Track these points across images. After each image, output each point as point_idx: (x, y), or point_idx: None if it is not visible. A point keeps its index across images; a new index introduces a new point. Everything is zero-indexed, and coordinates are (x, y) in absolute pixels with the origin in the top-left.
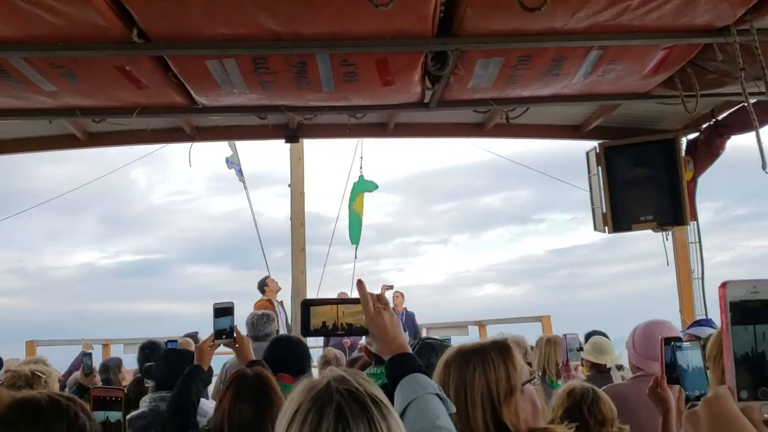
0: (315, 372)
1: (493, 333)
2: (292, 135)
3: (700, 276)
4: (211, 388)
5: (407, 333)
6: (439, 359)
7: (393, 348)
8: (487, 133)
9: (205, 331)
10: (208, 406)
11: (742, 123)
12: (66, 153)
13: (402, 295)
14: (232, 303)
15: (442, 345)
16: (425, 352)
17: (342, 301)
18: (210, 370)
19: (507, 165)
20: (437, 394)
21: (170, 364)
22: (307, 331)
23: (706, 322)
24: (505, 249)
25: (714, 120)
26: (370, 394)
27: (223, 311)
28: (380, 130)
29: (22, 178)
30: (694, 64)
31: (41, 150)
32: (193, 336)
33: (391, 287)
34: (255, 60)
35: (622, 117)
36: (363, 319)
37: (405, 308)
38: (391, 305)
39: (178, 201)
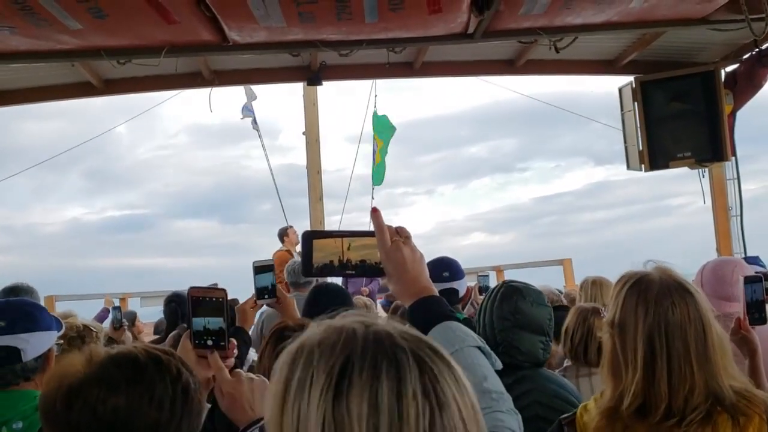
0: None
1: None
2: (315, 77)
3: (738, 213)
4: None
5: None
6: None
7: (415, 291)
8: (517, 71)
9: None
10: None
11: None
12: (49, 108)
13: None
14: (272, 261)
15: (528, 287)
16: (512, 296)
17: (352, 233)
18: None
19: (493, 114)
20: (479, 347)
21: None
22: (309, 269)
23: (754, 260)
24: (491, 198)
25: (757, 50)
26: (395, 342)
27: (263, 269)
28: (406, 69)
29: (6, 135)
30: None
31: (55, 99)
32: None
33: None
34: None
35: (658, 50)
36: (375, 254)
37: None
38: None
39: (162, 155)
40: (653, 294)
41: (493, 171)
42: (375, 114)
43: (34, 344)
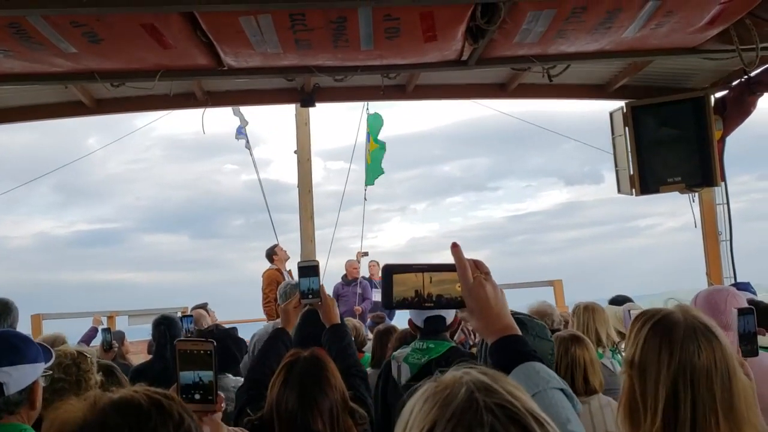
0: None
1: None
2: (308, 99)
3: (728, 238)
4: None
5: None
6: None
7: (498, 328)
8: (509, 95)
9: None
10: (232, 381)
11: None
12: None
13: (378, 263)
14: (317, 262)
15: (532, 320)
16: None
17: (431, 267)
18: (243, 342)
19: (466, 133)
20: (562, 389)
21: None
22: (389, 302)
23: (745, 287)
24: (464, 216)
25: (746, 76)
26: (531, 411)
27: (308, 270)
28: (399, 92)
29: None
30: (753, 16)
31: (47, 118)
32: (203, 307)
33: (366, 254)
34: (292, 16)
35: (649, 76)
36: (453, 288)
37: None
38: (367, 274)
39: (134, 169)
40: (678, 336)
41: (465, 189)
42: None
43: (17, 378)
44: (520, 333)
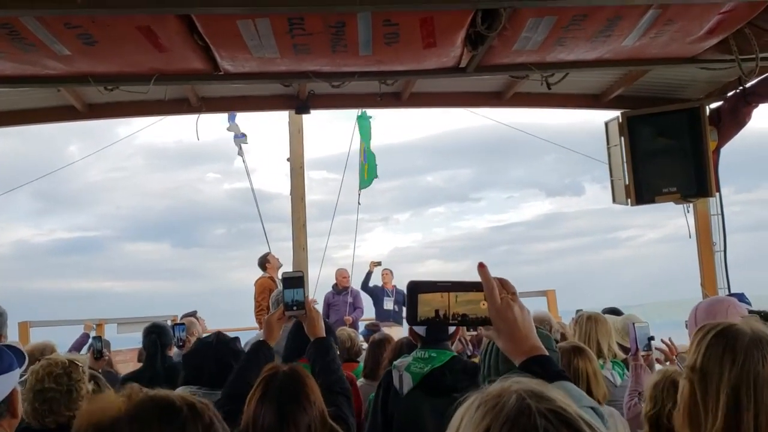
0: None
1: None
2: (303, 106)
3: (722, 249)
4: None
5: (398, 308)
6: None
7: (525, 349)
8: (505, 103)
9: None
10: None
11: None
12: None
13: (391, 272)
14: (302, 272)
15: (538, 330)
16: None
17: (456, 286)
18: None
19: (448, 144)
20: (593, 408)
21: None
22: (414, 320)
23: (740, 297)
24: (446, 226)
25: (741, 87)
26: (582, 417)
27: (293, 281)
28: (394, 100)
29: None
30: (753, 25)
31: (38, 122)
32: (192, 315)
33: (379, 263)
34: (291, 20)
35: (644, 86)
36: (478, 307)
37: (394, 285)
38: (380, 283)
39: (115, 178)
40: (743, 344)
41: (448, 200)
42: (362, 115)
43: None
44: (547, 353)
